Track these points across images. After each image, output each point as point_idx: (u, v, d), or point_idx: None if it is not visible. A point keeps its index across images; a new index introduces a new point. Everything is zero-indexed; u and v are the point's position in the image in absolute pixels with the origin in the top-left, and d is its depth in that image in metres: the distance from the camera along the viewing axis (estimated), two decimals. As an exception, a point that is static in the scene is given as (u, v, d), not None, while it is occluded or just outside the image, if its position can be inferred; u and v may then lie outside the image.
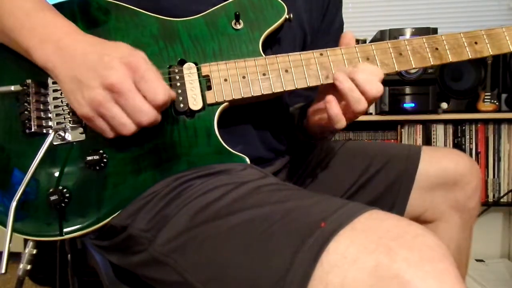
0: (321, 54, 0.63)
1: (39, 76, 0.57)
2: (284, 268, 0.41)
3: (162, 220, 0.54)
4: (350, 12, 2.08)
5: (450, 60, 0.65)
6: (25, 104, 0.56)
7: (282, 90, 0.62)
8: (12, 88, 0.58)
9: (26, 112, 0.56)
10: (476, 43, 0.66)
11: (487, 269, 1.76)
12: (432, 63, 0.65)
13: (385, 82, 1.96)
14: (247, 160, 0.60)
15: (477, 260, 1.83)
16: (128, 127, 0.53)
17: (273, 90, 0.61)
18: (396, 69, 0.64)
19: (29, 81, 0.57)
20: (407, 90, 1.67)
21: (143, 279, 0.61)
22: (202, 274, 0.49)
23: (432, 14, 2.04)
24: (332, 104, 0.60)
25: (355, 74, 0.59)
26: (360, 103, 0.59)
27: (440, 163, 0.75)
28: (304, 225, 0.44)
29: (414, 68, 0.66)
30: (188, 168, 0.58)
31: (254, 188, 0.53)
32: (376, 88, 0.59)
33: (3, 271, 0.52)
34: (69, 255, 0.76)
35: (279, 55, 0.62)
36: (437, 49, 0.65)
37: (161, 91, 0.52)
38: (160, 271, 0.54)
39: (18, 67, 0.59)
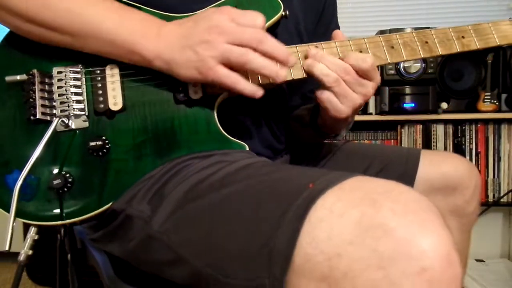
0: (316, 47, 0.65)
1: (44, 66, 0.60)
2: (273, 228, 0.42)
3: (158, 200, 0.55)
4: (350, 12, 2.07)
5: (440, 53, 0.68)
6: (30, 92, 0.58)
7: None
8: (18, 77, 0.59)
9: (31, 100, 0.58)
10: (463, 37, 0.69)
11: (487, 269, 1.76)
12: (422, 56, 0.68)
13: (385, 82, 1.95)
14: (246, 147, 0.61)
15: (477, 260, 1.83)
16: (257, 60, 0.56)
17: (271, 80, 0.63)
18: (388, 61, 0.67)
19: (34, 70, 0.59)
20: (407, 90, 1.67)
21: (137, 266, 0.61)
22: (195, 248, 0.50)
23: (432, 14, 2.04)
24: (320, 91, 0.63)
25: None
26: (329, 77, 0.61)
27: (440, 167, 0.76)
28: (292, 188, 0.45)
29: (406, 61, 0.69)
30: (187, 154, 0.60)
31: (246, 164, 0.55)
32: (357, 57, 0.61)
33: (6, 247, 0.54)
34: (69, 255, 0.76)
35: None
36: (427, 42, 0.68)
37: (256, 14, 0.57)
38: (155, 250, 0.55)
39: (23, 60, 0.61)
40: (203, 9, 0.62)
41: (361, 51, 0.65)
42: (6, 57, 0.62)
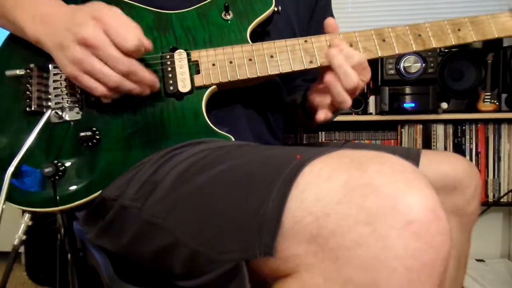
0: (306, 41, 0.67)
1: (42, 61, 0.62)
2: (262, 198, 0.43)
3: (150, 186, 0.56)
4: (350, 12, 2.08)
5: (433, 45, 0.68)
6: (27, 85, 0.61)
7: (267, 74, 0.65)
8: (18, 71, 0.62)
9: (27, 92, 0.61)
10: (459, 30, 0.69)
11: (487, 269, 1.76)
12: (414, 49, 0.67)
13: (385, 82, 1.95)
14: (232, 139, 0.63)
15: (477, 260, 1.83)
16: (113, 78, 0.55)
17: (258, 74, 0.65)
18: (379, 55, 0.67)
19: (32, 65, 0.62)
20: (407, 90, 1.67)
21: (137, 260, 0.62)
22: (190, 228, 0.50)
23: (432, 14, 2.04)
24: (333, 84, 0.63)
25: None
26: (349, 77, 0.62)
27: (440, 167, 0.75)
28: (281, 160, 0.46)
29: (397, 54, 0.68)
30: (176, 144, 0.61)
31: (238, 145, 0.56)
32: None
33: None
34: (69, 255, 0.76)
35: (264, 42, 0.66)
36: (420, 35, 0.68)
37: (129, 37, 0.54)
38: (152, 237, 0.55)
39: (24, 57, 0.64)
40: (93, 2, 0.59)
41: (351, 45, 0.66)
42: (8, 55, 0.65)
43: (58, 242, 0.78)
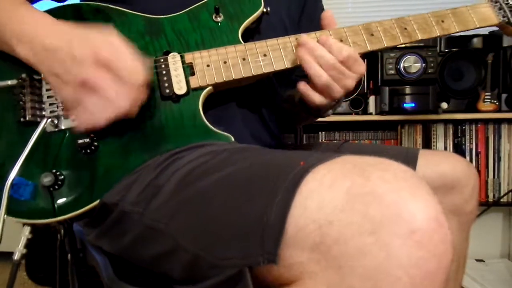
0: (297, 39, 0.67)
1: (34, 71, 0.61)
2: (265, 205, 0.42)
3: (152, 191, 0.56)
4: (350, 12, 2.08)
5: (419, 37, 0.71)
6: (20, 95, 0.61)
7: (262, 72, 0.66)
8: (9, 82, 0.61)
9: (21, 103, 0.60)
10: (442, 21, 0.71)
11: (487, 269, 1.76)
12: (402, 41, 0.70)
13: (385, 82, 1.94)
14: (232, 138, 0.63)
15: (477, 260, 1.83)
16: (113, 107, 0.55)
17: (253, 73, 0.66)
18: (368, 49, 0.69)
19: (24, 75, 0.61)
20: (407, 90, 1.67)
21: (136, 263, 0.62)
22: (192, 232, 0.50)
23: (432, 14, 2.04)
24: (306, 62, 0.64)
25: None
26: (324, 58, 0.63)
27: (438, 167, 0.76)
28: (284, 166, 0.46)
29: (386, 48, 0.70)
30: (175, 148, 0.61)
31: (240, 149, 0.56)
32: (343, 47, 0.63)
33: None
34: (69, 255, 0.76)
35: (257, 41, 0.67)
36: (406, 28, 0.70)
37: (138, 71, 0.55)
38: (153, 241, 0.55)
39: (14, 67, 0.62)
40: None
41: (341, 40, 0.67)
42: None
43: (58, 242, 0.78)
